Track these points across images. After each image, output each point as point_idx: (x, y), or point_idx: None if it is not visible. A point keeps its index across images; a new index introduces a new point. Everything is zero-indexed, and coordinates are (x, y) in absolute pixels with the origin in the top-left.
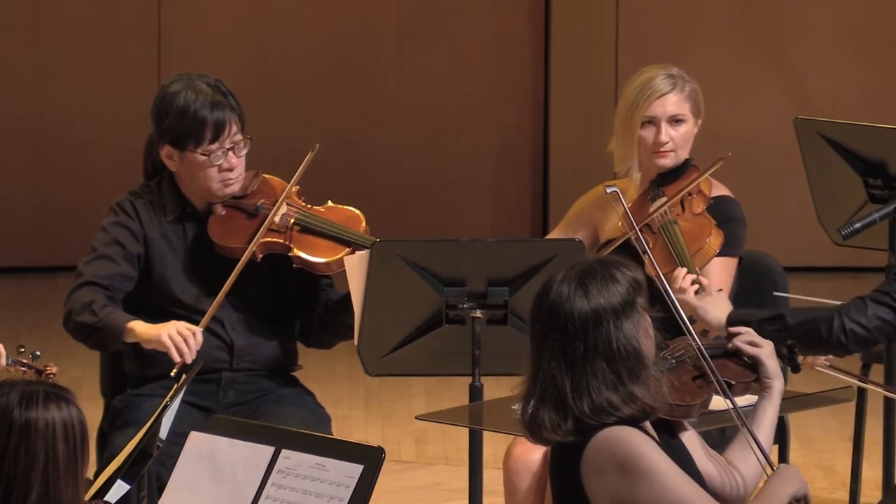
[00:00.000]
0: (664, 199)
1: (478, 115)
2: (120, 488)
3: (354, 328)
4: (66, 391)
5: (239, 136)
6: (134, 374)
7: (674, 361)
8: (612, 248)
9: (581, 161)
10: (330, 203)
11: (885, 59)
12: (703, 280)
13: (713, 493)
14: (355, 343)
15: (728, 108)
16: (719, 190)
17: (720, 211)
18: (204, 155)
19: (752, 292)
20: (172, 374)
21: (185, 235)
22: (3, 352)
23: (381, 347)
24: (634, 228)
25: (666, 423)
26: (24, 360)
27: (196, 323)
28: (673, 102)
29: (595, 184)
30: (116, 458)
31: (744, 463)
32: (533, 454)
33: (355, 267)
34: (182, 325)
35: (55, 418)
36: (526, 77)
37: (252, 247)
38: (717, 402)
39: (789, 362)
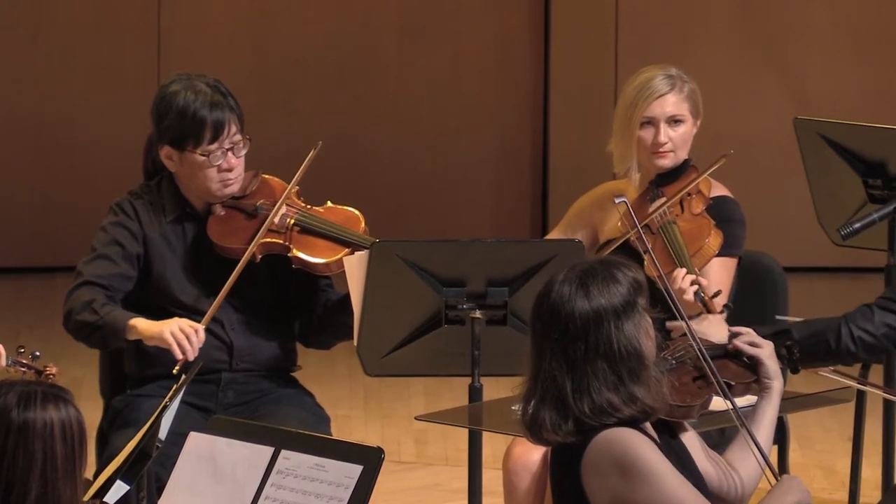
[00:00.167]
0: (663, 200)
1: (478, 115)
2: (119, 488)
3: (354, 329)
4: (64, 391)
5: (238, 137)
6: (133, 375)
7: (674, 362)
8: (612, 248)
9: (581, 161)
10: (329, 203)
11: (885, 59)
12: (703, 280)
13: (713, 494)
14: (355, 343)
15: (728, 108)
16: (719, 190)
17: (720, 211)
18: (203, 155)
19: (751, 292)
20: (175, 370)
21: (185, 236)
22: (3, 352)
23: (381, 348)
24: (637, 227)
25: (666, 423)
26: (24, 361)
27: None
28: (672, 103)
29: (595, 184)
30: (116, 459)
31: (743, 464)
32: (532, 455)
33: (355, 267)
34: (184, 323)
35: (53, 419)
36: (526, 77)
37: (252, 247)
38: (717, 403)
39: (789, 363)
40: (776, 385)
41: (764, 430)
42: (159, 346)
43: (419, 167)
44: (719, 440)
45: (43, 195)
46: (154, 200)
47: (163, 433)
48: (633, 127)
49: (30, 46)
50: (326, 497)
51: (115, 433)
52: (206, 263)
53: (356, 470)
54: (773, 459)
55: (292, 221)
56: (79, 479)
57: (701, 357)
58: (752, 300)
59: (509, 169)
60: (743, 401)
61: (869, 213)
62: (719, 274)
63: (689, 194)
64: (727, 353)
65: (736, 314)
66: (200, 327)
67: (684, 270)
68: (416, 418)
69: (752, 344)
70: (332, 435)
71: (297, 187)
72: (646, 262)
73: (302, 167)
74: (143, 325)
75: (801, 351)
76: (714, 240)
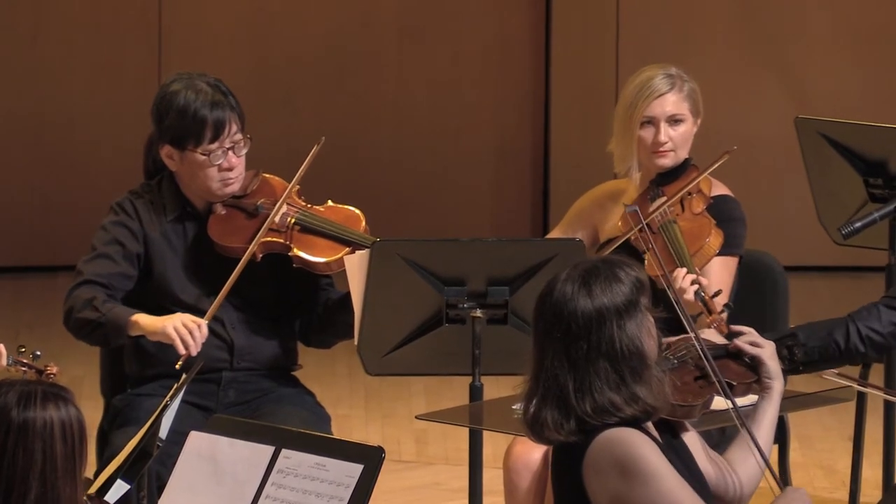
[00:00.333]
0: (664, 199)
1: (478, 116)
2: (120, 488)
3: (354, 328)
4: (64, 391)
5: (239, 136)
6: (134, 374)
7: (675, 362)
8: (612, 247)
9: (581, 161)
10: (330, 203)
11: (885, 59)
12: (703, 280)
13: (713, 494)
14: (355, 342)
15: (728, 108)
16: (719, 189)
17: (720, 210)
18: (204, 154)
19: (752, 292)
20: (178, 366)
21: (186, 235)
22: (4, 352)
23: (382, 347)
24: (642, 223)
25: (668, 423)
26: (25, 360)
27: None
28: (672, 102)
29: (596, 184)
30: (116, 458)
31: (743, 464)
32: (533, 454)
33: (355, 266)
34: (187, 318)
35: (53, 418)
36: (526, 77)
37: (253, 247)
38: (718, 402)
39: (789, 364)
40: (777, 385)
41: (764, 430)
42: (162, 341)
43: (419, 167)
44: (720, 439)
45: (43, 195)
46: (155, 200)
47: (163, 432)
48: (633, 126)
49: (30, 46)
50: (327, 496)
51: (115, 432)
52: (207, 263)
53: (357, 469)
54: (774, 459)
55: (293, 220)
56: (79, 478)
57: (703, 357)
58: (752, 299)
59: (510, 168)
60: (744, 400)
61: (870, 212)
62: (720, 273)
63: (689, 193)
64: (728, 353)
65: (736, 314)
66: (203, 322)
67: (685, 270)
68: (416, 417)
69: (753, 344)
70: (332, 434)
71: (298, 186)
72: (646, 262)
73: (305, 162)
74: (145, 321)
75: (810, 353)
76: (715, 239)
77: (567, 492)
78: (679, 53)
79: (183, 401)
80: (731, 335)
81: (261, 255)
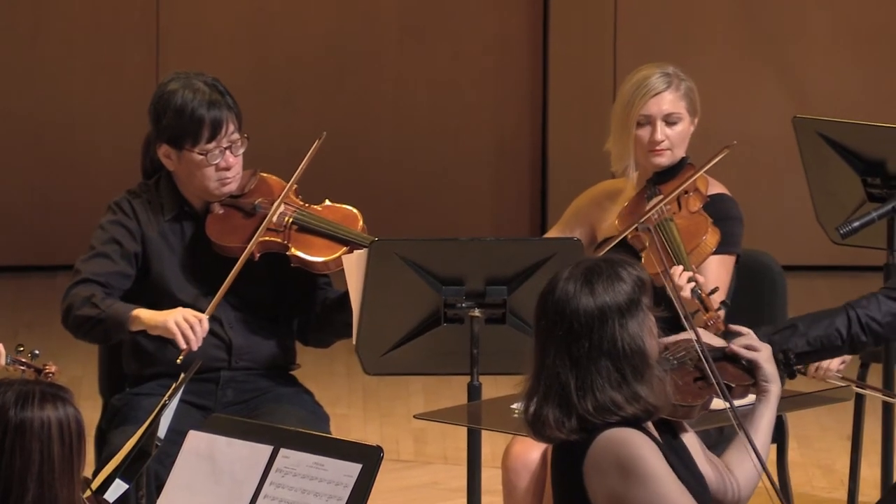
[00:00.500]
0: (660, 197)
1: (477, 115)
2: (118, 487)
3: (353, 327)
4: (63, 390)
5: (236, 135)
6: (132, 373)
7: (675, 362)
8: (609, 246)
9: (580, 161)
10: (327, 202)
11: (885, 59)
12: (699, 277)
13: (712, 496)
14: (353, 342)
15: (727, 107)
16: (716, 188)
17: (717, 209)
18: (201, 154)
19: (750, 291)
20: (179, 360)
21: (183, 234)
22: (3, 351)
23: (380, 346)
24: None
25: (668, 423)
26: (24, 359)
27: None
28: (668, 101)
29: (594, 183)
30: (115, 457)
31: (740, 466)
32: (531, 453)
33: (353, 266)
34: (188, 312)
35: (51, 418)
36: (525, 77)
37: (251, 246)
38: (717, 402)
39: (785, 368)
40: (774, 389)
41: (761, 433)
42: (163, 335)
43: (419, 167)
44: (718, 439)
45: (43, 195)
46: (152, 199)
47: (162, 432)
48: (629, 125)
49: (30, 46)
50: (325, 496)
51: (114, 432)
52: (205, 262)
53: (355, 469)
54: (772, 458)
55: (290, 220)
56: (77, 479)
57: (703, 358)
58: (751, 299)
59: (509, 168)
60: (743, 399)
61: (868, 211)
62: (717, 271)
63: (686, 192)
64: (725, 356)
65: (735, 313)
66: (204, 317)
67: (681, 267)
68: (415, 417)
69: (749, 347)
70: (331, 433)
71: (296, 185)
72: (643, 259)
73: (307, 158)
74: (146, 315)
75: (813, 343)
76: (711, 237)
77: (567, 490)
78: (678, 53)
79: (181, 400)
80: (727, 334)
81: (259, 255)
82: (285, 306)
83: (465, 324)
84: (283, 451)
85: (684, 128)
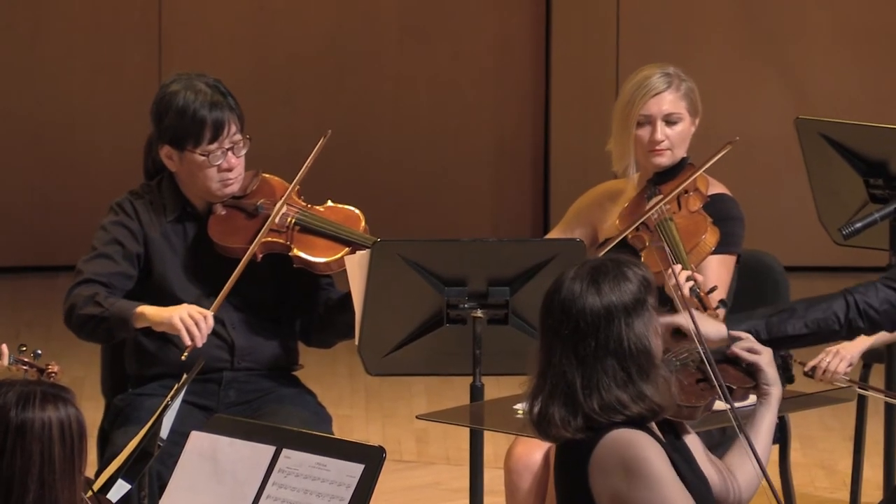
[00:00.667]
0: (660, 197)
1: (478, 115)
2: (121, 488)
3: (355, 328)
4: (65, 391)
5: (238, 136)
6: (135, 374)
7: (678, 363)
8: (610, 246)
9: (582, 161)
10: (329, 203)
11: (885, 59)
12: (698, 276)
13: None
14: (356, 343)
15: (728, 107)
16: (716, 188)
17: (717, 209)
18: (203, 155)
19: (752, 292)
20: (183, 357)
21: (186, 235)
22: (6, 351)
23: (382, 347)
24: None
25: (671, 423)
26: (26, 359)
27: None
28: (668, 101)
29: (596, 183)
30: (117, 458)
31: (741, 469)
32: (534, 454)
33: (356, 266)
34: (193, 309)
35: (52, 419)
36: (526, 77)
37: (253, 247)
38: (719, 403)
39: (784, 373)
40: (775, 391)
41: (762, 436)
42: (168, 331)
43: (419, 167)
44: (721, 439)
45: (43, 195)
46: (154, 200)
47: (164, 432)
48: (630, 125)
49: (30, 46)
50: (328, 496)
51: (116, 432)
52: (207, 263)
53: (357, 469)
54: (775, 458)
55: (293, 221)
56: (78, 480)
57: (705, 360)
58: (752, 299)
59: (510, 168)
60: (745, 401)
61: (870, 212)
62: (717, 270)
63: (686, 192)
64: (726, 358)
65: (736, 314)
66: (209, 314)
67: (679, 266)
68: (417, 417)
69: (750, 350)
70: (333, 434)
71: (298, 186)
72: (643, 259)
73: (311, 156)
74: (150, 312)
75: (811, 326)
76: (710, 237)
77: (570, 489)
78: (679, 53)
79: (184, 401)
80: (728, 337)
81: (261, 256)
82: (288, 307)
83: (467, 324)
84: (285, 452)
85: (685, 128)
